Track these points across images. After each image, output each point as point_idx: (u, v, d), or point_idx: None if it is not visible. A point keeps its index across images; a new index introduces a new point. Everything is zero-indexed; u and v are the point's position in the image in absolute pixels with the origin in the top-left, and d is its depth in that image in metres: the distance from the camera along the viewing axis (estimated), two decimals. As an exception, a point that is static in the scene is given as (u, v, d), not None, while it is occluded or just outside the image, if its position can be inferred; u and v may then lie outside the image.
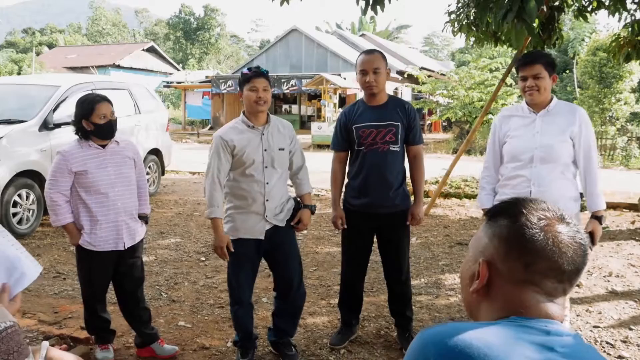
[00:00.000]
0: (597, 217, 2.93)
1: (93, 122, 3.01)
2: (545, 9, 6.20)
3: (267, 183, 3.07)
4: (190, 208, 7.77)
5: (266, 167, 3.07)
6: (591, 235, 2.89)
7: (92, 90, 7.15)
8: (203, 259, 5.38)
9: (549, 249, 0.96)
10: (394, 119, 3.27)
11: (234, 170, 3.08)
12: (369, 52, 3.34)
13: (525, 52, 2.98)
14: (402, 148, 3.33)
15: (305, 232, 6.37)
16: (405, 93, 27.23)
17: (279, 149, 3.11)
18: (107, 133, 3.08)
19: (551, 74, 2.93)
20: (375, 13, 5.35)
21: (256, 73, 3.04)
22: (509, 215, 1.02)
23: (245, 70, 3.09)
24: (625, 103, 18.39)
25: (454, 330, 0.92)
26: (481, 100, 18.38)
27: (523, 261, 0.98)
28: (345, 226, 3.42)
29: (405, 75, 25.87)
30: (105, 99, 3.11)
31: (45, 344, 1.42)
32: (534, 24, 5.38)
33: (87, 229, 3.06)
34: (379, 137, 3.25)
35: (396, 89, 26.24)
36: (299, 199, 3.30)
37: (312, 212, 3.27)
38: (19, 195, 5.96)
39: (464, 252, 5.71)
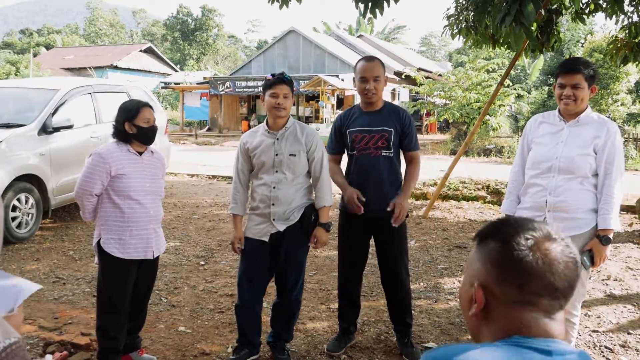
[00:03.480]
0: (600, 237, 2.80)
1: (136, 124, 3.03)
2: (543, 13, 6.22)
3: (274, 187, 3.16)
4: (189, 211, 7.77)
5: (276, 171, 3.17)
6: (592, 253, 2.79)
7: (90, 93, 7.17)
8: (202, 263, 5.38)
9: (540, 268, 0.98)
10: (387, 125, 3.29)
11: (253, 173, 3.29)
12: (369, 59, 3.35)
13: (569, 58, 2.82)
14: (395, 154, 3.34)
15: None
16: (403, 94, 27.27)
17: (290, 155, 3.16)
18: (149, 138, 3.09)
19: (591, 85, 2.83)
20: (375, 16, 5.37)
21: (278, 79, 3.12)
22: (497, 238, 1.03)
23: (268, 76, 3.18)
24: (622, 104, 18.46)
25: (457, 353, 0.93)
26: (478, 101, 18.42)
27: (516, 283, 0.99)
28: (364, 199, 3.30)
29: (403, 77, 25.90)
30: (148, 105, 3.13)
31: (49, 357, 1.43)
32: (532, 27, 5.41)
33: (116, 234, 3.00)
34: (371, 142, 3.28)
35: (394, 90, 26.28)
36: (314, 212, 3.27)
37: (327, 230, 3.25)
38: (18, 200, 5.95)
39: (462, 256, 5.72)
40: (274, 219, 3.17)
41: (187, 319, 4.01)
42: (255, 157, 3.20)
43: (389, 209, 3.28)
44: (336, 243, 6.07)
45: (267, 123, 3.24)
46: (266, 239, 3.20)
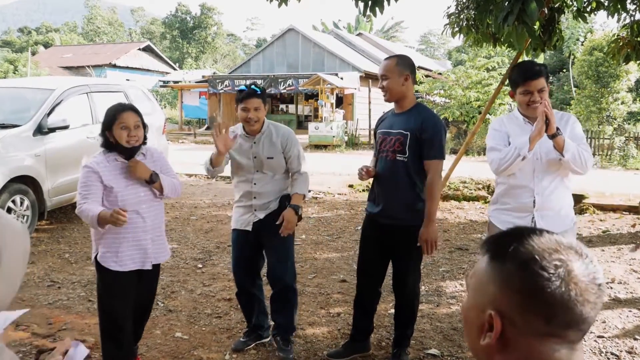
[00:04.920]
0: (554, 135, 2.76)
1: (115, 135, 2.84)
2: (545, 11, 6.15)
3: (255, 184, 3.37)
4: (187, 212, 7.69)
5: (257, 170, 3.37)
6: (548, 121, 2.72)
7: (87, 93, 7.08)
8: (200, 265, 5.30)
9: (573, 300, 0.86)
10: (405, 128, 3.10)
11: (233, 171, 3.47)
12: (387, 57, 3.30)
13: (521, 61, 2.86)
14: (412, 159, 3.11)
15: (303, 236, 6.31)
16: (403, 92, 27.12)
17: (268, 158, 3.33)
18: (129, 155, 2.89)
19: (547, 84, 2.96)
20: (374, 15, 5.28)
21: (248, 94, 3.23)
22: (518, 261, 0.89)
23: (241, 88, 3.28)
24: (622, 102, 18.37)
25: None
26: (478, 100, 18.31)
27: (544, 315, 0.87)
28: (369, 172, 3.23)
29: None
30: (130, 109, 2.91)
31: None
32: (535, 26, 5.32)
33: (113, 248, 2.87)
34: (388, 145, 3.17)
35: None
36: (288, 199, 3.38)
37: (297, 213, 3.29)
38: (13, 201, 5.86)
39: (464, 258, 5.64)
40: (255, 210, 3.38)
41: (184, 325, 3.93)
42: (233, 158, 3.38)
43: (418, 244, 3.14)
44: (335, 245, 6.06)
45: (244, 128, 3.37)
46: (249, 228, 3.39)
